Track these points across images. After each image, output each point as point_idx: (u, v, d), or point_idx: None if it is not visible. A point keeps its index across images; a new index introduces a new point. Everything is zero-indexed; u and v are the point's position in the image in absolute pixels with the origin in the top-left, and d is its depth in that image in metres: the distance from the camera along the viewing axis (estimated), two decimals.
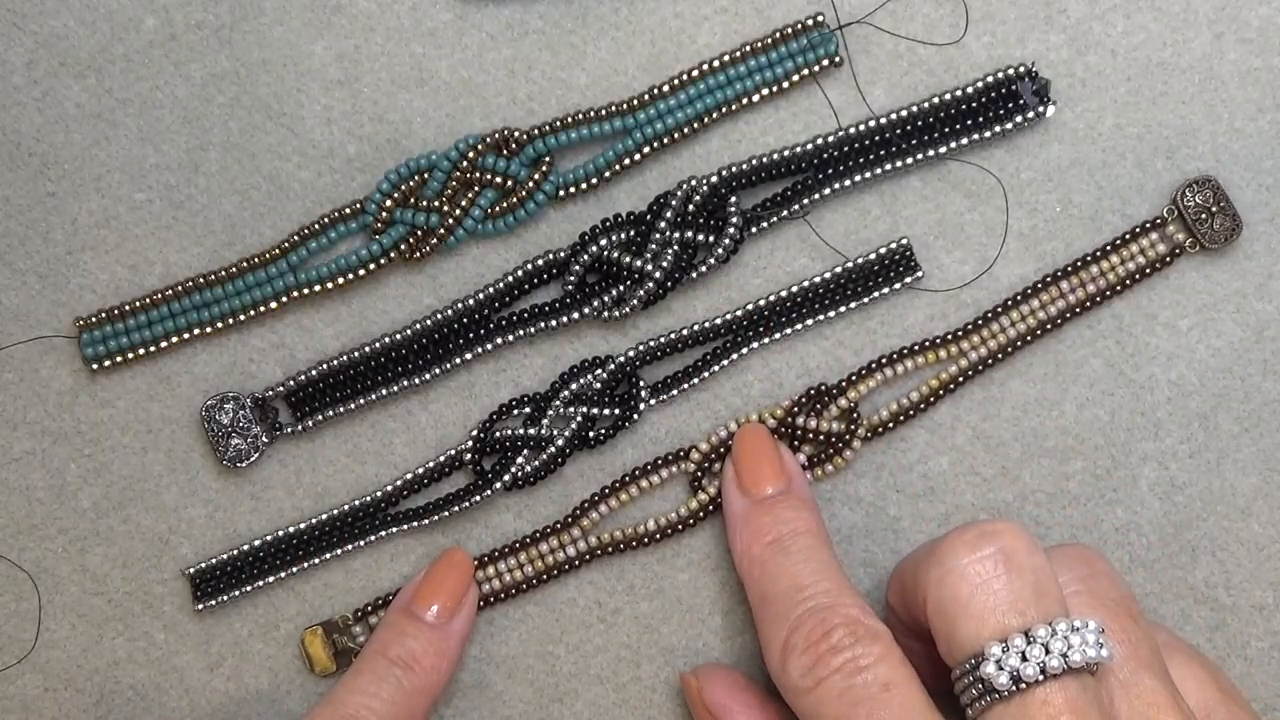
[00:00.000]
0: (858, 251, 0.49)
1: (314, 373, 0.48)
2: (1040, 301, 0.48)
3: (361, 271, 0.48)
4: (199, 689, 0.49)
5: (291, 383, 0.48)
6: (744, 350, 0.49)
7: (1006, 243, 0.49)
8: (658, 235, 0.48)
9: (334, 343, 0.49)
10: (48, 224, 0.49)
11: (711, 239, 0.48)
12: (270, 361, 0.49)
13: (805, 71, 0.49)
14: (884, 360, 0.48)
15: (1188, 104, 0.49)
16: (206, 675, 0.49)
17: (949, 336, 0.48)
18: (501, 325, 0.49)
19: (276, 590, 0.49)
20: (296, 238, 0.49)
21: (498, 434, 0.48)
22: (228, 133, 0.49)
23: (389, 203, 0.48)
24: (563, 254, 0.48)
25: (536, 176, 0.48)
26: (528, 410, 0.49)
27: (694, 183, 0.48)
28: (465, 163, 0.48)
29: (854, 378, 0.48)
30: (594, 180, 0.49)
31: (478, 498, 0.48)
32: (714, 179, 0.48)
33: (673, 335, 0.49)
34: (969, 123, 0.48)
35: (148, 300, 0.48)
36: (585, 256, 0.48)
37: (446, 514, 0.48)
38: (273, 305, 0.49)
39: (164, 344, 0.49)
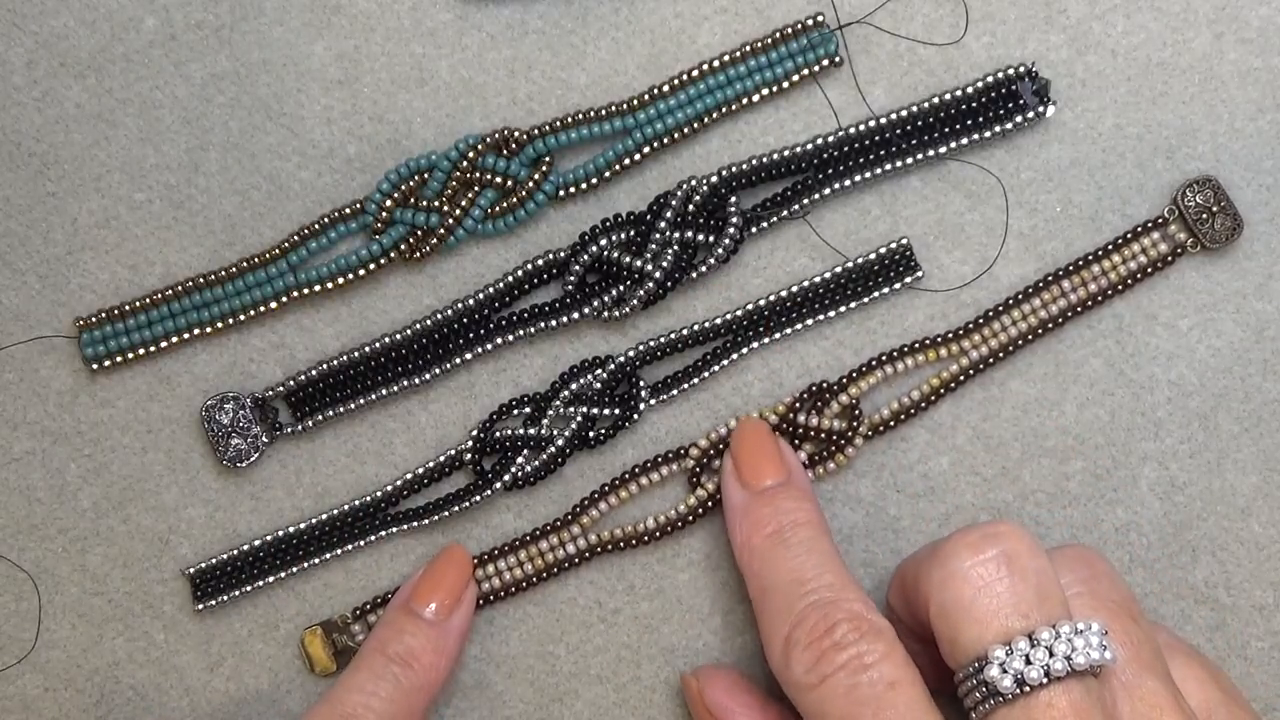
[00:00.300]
0: (858, 251, 0.49)
1: (314, 373, 0.48)
2: (1040, 301, 0.48)
3: (361, 271, 0.48)
4: (199, 689, 0.49)
5: (291, 383, 0.48)
6: (744, 350, 0.49)
7: (1006, 243, 0.49)
8: (658, 235, 0.48)
9: (334, 343, 0.49)
10: (48, 224, 0.49)
11: (711, 239, 0.48)
12: (270, 361, 0.49)
13: (805, 71, 0.49)
14: (884, 358, 0.48)
15: (1188, 104, 0.49)
16: (206, 675, 0.49)
17: (949, 335, 0.48)
18: (501, 325, 0.49)
19: (276, 590, 0.49)
20: (296, 238, 0.49)
21: (498, 434, 0.48)
22: (228, 133, 0.49)
23: (389, 203, 0.48)
24: (563, 254, 0.48)
25: (536, 176, 0.48)
26: (528, 410, 0.49)
27: (694, 183, 0.48)
28: (465, 163, 0.48)
29: (854, 374, 0.48)
30: (594, 180, 0.49)
31: (478, 498, 0.48)
32: (714, 179, 0.48)
33: (673, 335, 0.49)
34: (969, 123, 0.48)
35: (148, 300, 0.48)
36: (585, 256, 0.48)
37: (446, 514, 0.48)
38: (273, 305, 0.48)
39: (164, 344, 0.49)
